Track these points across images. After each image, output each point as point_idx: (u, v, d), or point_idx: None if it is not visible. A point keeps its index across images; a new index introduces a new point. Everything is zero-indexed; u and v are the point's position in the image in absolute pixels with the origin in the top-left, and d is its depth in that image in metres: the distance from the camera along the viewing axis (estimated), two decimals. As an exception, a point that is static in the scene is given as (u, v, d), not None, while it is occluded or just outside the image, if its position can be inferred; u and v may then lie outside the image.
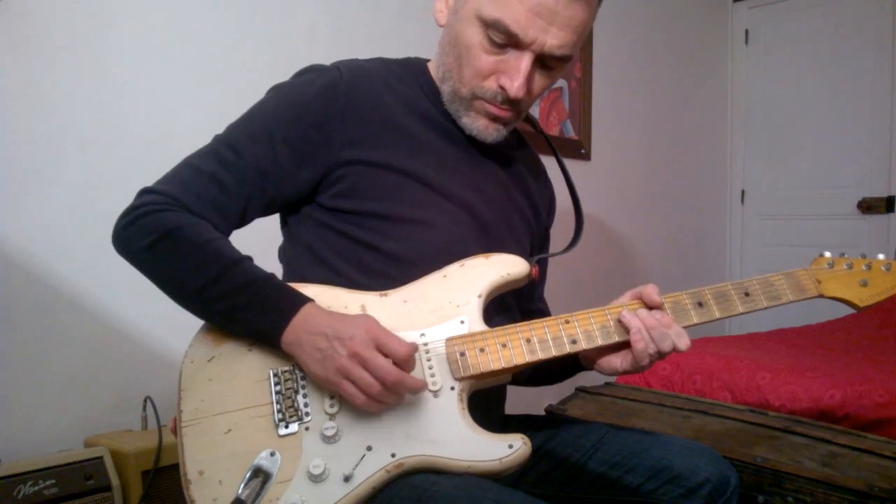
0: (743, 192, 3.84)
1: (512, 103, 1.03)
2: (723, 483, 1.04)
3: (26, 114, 1.55)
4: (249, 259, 0.96)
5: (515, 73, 0.99)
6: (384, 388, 0.87)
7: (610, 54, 3.06)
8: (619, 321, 0.99)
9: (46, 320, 1.58)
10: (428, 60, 1.15)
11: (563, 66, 1.04)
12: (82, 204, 1.61)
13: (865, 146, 3.42)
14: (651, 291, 1.01)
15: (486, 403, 1.06)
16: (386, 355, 0.87)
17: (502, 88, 1.01)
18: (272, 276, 0.96)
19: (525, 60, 0.99)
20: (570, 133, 2.92)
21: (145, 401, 1.62)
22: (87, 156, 1.63)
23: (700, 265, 3.65)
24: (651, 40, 3.32)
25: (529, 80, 1.01)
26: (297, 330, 0.91)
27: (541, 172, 1.26)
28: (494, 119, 1.05)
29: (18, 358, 1.54)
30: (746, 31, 3.79)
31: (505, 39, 0.98)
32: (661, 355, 0.99)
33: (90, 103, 1.64)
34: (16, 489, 1.34)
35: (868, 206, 3.39)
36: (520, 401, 1.36)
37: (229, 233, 1.02)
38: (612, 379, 2.13)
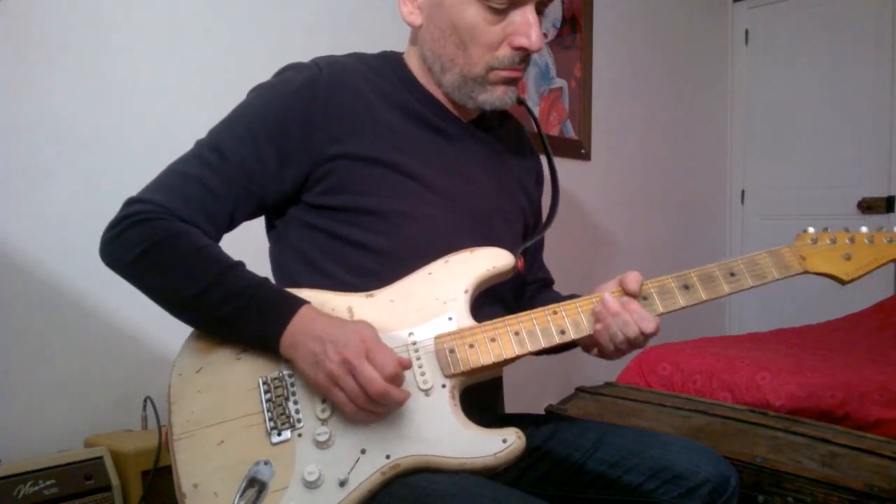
0: (743, 192, 3.84)
1: (526, 59, 1.05)
2: (722, 483, 1.04)
3: (26, 114, 1.55)
4: (242, 264, 0.96)
5: (527, 28, 1.01)
6: (370, 399, 0.86)
7: (610, 54, 3.06)
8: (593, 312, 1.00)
9: (47, 320, 1.58)
10: (402, 53, 1.14)
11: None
12: (82, 204, 1.61)
13: (865, 146, 3.41)
14: (629, 280, 1.01)
15: (484, 403, 1.06)
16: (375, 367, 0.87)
17: (520, 48, 1.02)
18: (266, 280, 0.95)
19: (531, 12, 1.01)
20: (570, 133, 2.92)
21: (145, 401, 1.63)
22: (87, 156, 1.63)
23: (700, 265, 3.63)
24: (651, 40, 3.32)
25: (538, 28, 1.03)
26: (294, 333, 0.90)
27: (524, 145, 1.25)
28: (509, 82, 1.06)
29: (19, 357, 1.54)
30: (746, 32, 3.79)
31: (508, 2, 1.00)
32: (630, 343, 0.99)
33: (90, 103, 1.64)
34: (16, 489, 1.34)
35: (868, 206, 3.39)
36: (520, 401, 1.36)
37: (219, 237, 1.01)
38: (613, 379, 2.13)
